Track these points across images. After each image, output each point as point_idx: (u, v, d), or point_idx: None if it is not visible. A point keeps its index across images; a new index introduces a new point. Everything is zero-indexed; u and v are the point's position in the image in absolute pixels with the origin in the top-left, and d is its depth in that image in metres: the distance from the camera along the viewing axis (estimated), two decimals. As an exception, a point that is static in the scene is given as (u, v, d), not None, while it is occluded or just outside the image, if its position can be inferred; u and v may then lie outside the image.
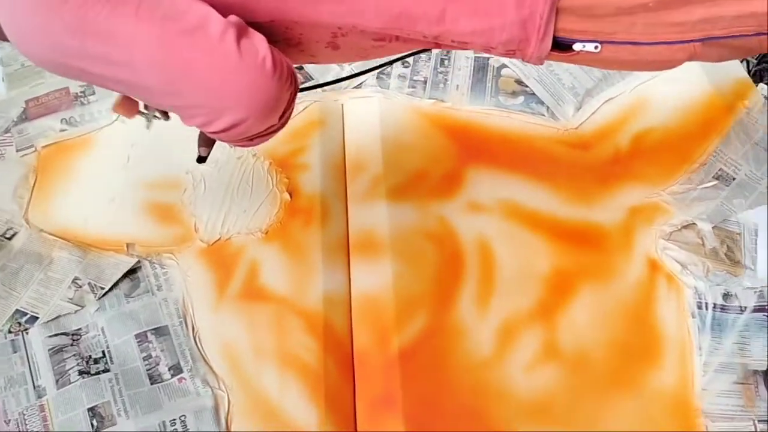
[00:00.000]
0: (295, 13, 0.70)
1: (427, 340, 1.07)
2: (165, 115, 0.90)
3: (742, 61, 1.31)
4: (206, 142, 0.93)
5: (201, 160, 0.95)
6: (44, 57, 0.68)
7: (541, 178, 1.21)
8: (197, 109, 0.69)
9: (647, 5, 0.68)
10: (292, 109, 0.76)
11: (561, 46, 0.74)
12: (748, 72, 1.29)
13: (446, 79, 1.34)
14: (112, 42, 0.64)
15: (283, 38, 0.73)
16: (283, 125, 0.78)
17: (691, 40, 0.69)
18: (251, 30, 0.67)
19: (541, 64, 0.77)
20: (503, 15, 0.70)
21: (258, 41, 0.67)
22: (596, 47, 0.73)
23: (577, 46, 0.73)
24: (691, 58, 0.73)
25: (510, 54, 0.76)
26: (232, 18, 0.66)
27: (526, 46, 0.73)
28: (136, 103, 0.84)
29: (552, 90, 1.30)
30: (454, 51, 1.36)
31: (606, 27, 0.70)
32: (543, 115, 1.28)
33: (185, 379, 1.01)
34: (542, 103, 1.29)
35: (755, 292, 1.07)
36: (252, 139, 0.77)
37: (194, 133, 0.87)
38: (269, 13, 0.70)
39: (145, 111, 0.88)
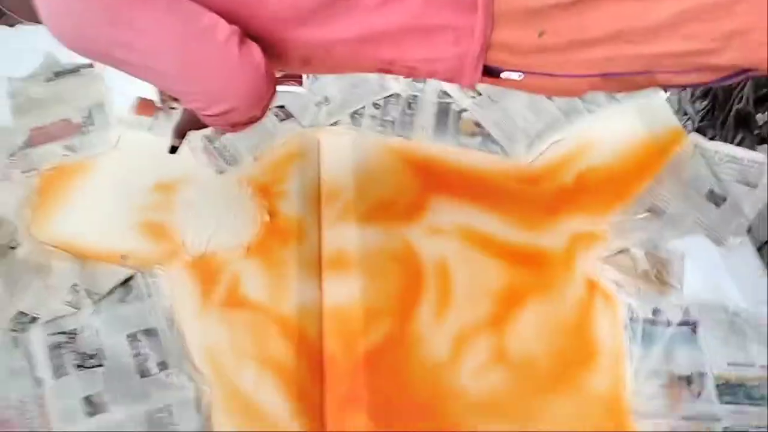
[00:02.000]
0: (287, 33, 0.84)
1: (390, 346, 1.19)
2: (176, 100, 1.00)
3: (681, 115, 1.48)
4: (179, 134, 1.06)
5: (173, 150, 1.07)
6: (76, 41, 0.80)
7: (494, 207, 1.36)
8: (200, 95, 0.83)
9: (557, 45, 0.83)
10: (269, 106, 0.90)
11: (492, 73, 0.88)
12: (695, 129, 1.46)
13: (412, 121, 1.49)
14: (140, 31, 0.77)
15: (267, 50, 0.85)
16: (260, 118, 0.91)
17: (593, 75, 0.85)
18: (249, 39, 0.81)
19: (474, 89, 0.91)
20: (446, 49, 0.85)
21: (254, 49, 0.81)
22: (519, 76, 0.87)
23: (503, 75, 0.88)
24: (592, 89, 0.89)
25: (449, 80, 0.90)
26: (235, 27, 0.80)
27: (462, 76, 0.88)
28: (152, 103, 0.97)
29: (506, 131, 1.46)
30: (420, 97, 1.52)
31: (526, 61, 0.85)
32: (498, 153, 1.44)
33: (171, 375, 1.12)
34: (497, 143, 1.45)
35: (680, 308, 1.20)
36: (235, 126, 0.90)
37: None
38: (261, 31, 0.83)
39: (161, 105, 1.00)
